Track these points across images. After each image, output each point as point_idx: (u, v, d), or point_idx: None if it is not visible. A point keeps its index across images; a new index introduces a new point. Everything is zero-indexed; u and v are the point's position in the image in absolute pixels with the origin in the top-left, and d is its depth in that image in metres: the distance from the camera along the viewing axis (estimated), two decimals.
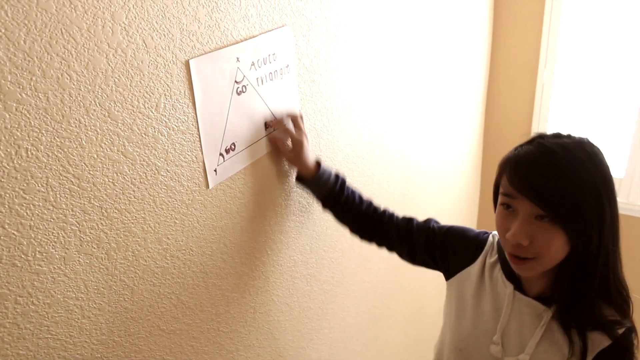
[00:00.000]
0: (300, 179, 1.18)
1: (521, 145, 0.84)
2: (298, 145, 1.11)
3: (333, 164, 1.35)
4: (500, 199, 0.86)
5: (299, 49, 1.13)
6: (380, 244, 1.19)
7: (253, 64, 0.99)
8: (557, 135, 0.82)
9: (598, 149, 0.81)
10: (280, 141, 1.12)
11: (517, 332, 0.91)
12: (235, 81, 0.95)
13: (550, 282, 0.88)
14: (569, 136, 0.82)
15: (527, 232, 0.80)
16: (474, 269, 1.01)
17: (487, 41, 2.48)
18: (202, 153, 0.92)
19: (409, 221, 1.14)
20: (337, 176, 1.16)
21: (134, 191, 0.81)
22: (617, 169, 2.43)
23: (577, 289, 0.84)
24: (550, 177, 0.77)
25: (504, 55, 2.52)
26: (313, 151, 1.26)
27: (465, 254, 1.04)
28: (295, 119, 1.12)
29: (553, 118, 2.51)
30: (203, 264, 0.99)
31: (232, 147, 0.99)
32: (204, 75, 0.89)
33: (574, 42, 2.38)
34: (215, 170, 0.95)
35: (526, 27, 2.43)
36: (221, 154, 0.96)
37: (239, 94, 0.97)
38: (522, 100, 2.54)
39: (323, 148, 1.30)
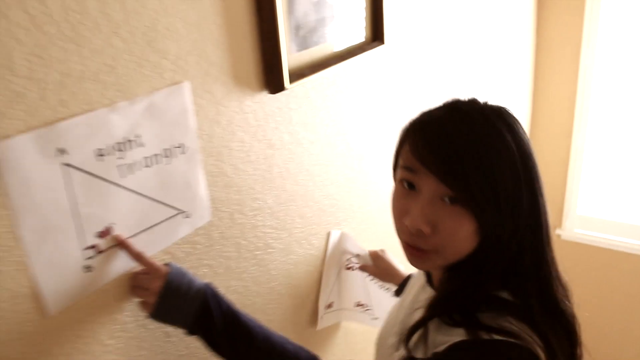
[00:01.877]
0: (398, 291, 1.11)
1: (430, 110, 0.68)
2: (376, 257, 1.12)
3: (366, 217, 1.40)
4: (399, 173, 0.68)
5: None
6: None
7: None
8: (474, 101, 0.67)
9: (517, 120, 0.66)
10: (364, 265, 1.14)
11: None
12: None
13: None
14: (485, 103, 0.67)
15: (430, 218, 0.63)
16: None
17: (530, 71, 2.57)
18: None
19: None
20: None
21: None
22: None
23: (469, 282, 0.67)
24: (465, 148, 0.61)
25: (546, 80, 2.57)
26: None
27: None
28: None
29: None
30: None
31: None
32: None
33: (611, 69, 2.41)
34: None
35: (565, 59, 2.46)
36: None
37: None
38: (560, 136, 2.59)
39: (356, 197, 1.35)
